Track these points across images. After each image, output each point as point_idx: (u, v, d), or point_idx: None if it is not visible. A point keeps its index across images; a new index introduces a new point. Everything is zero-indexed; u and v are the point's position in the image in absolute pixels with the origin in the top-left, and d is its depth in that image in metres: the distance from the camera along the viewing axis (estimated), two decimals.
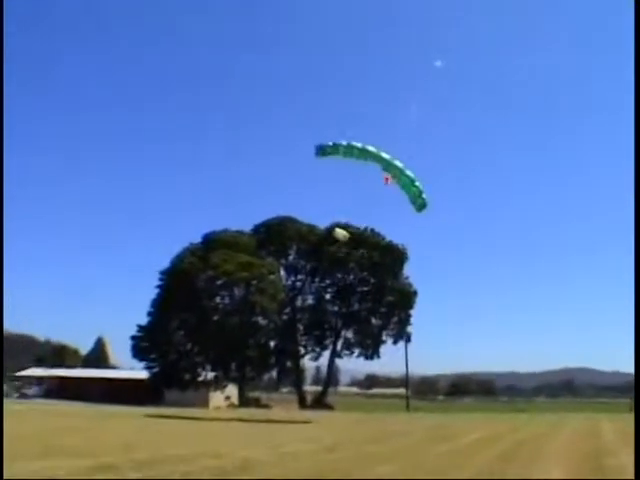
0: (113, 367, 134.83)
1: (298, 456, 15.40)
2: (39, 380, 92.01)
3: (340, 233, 42.28)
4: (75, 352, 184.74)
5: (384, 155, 28.43)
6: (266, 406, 77.10)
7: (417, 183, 28.91)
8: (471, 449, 19.72)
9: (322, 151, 28.40)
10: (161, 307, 72.01)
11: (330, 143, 28.32)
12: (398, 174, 28.32)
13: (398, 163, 28.63)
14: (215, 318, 72.27)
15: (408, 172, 28.69)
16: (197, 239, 77.56)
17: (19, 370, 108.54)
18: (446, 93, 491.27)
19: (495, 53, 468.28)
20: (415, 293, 79.57)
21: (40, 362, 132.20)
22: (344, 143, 28.24)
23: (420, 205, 29.52)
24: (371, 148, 28.23)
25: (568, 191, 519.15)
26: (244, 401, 74.57)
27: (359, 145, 28.22)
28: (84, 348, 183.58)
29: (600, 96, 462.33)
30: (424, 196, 28.84)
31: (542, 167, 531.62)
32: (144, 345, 72.55)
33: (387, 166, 28.28)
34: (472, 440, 23.80)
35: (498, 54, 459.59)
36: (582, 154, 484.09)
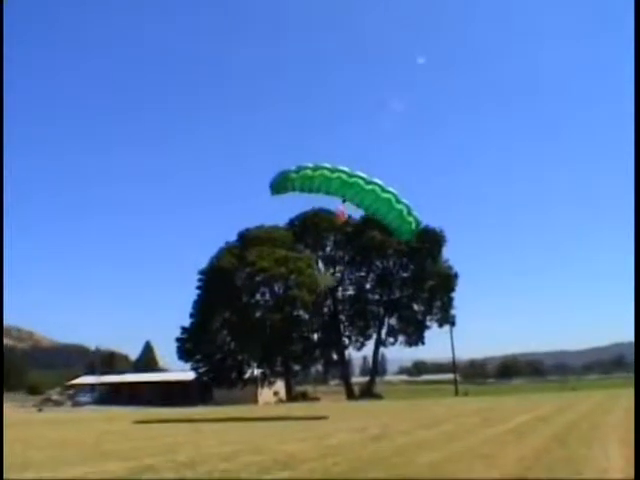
0: (162, 370, 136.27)
1: (342, 448, 14.97)
2: (91, 387, 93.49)
3: (325, 280, 40.69)
4: (125, 358, 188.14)
5: (367, 181, 24.77)
6: (314, 399, 77.02)
7: (413, 214, 26.09)
8: (523, 431, 19.03)
9: (276, 188, 24.90)
10: (203, 307, 72.41)
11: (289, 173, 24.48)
12: (387, 206, 25.31)
13: (392, 190, 25.36)
14: (257, 315, 72.42)
15: (403, 201, 25.62)
16: (233, 237, 77.80)
17: (72, 379, 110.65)
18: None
19: None
20: (456, 275, 78.68)
21: (91, 370, 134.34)
22: (308, 170, 24.25)
23: (409, 234, 27.95)
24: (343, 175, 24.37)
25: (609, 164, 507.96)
26: (292, 396, 74.53)
27: (327, 172, 24.19)
28: (133, 354, 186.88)
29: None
30: (414, 227, 26.55)
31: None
32: (189, 346, 73.05)
33: (374, 199, 25.00)
34: (523, 422, 23.08)
35: None
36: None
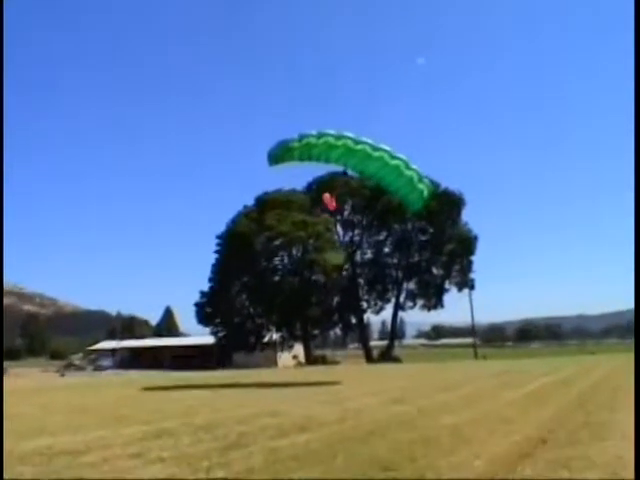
0: (183, 335, 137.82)
1: (362, 411, 14.80)
2: (112, 352, 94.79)
3: (336, 258, 39.81)
4: (146, 323, 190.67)
5: (374, 148, 23.36)
6: (333, 363, 77.41)
7: (424, 181, 24.99)
8: (543, 395, 18.79)
9: (275, 158, 23.51)
10: (221, 272, 72.61)
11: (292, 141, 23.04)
12: (395, 173, 24.03)
13: (401, 157, 23.93)
14: (275, 279, 72.57)
15: (414, 168, 24.35)
16: (251, 201, 77.50)
17: (94, 344, 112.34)
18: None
19: None
20: (475, 238, 77.99)
21: (112, 335, 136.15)
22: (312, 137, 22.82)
23: (419, 202, 26.10)
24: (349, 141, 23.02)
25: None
26: (311, 359, 74.91)
27: (331, 139, 22.82)
28: (154, 319, 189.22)
29: None
30: (425, 194, 25.25)
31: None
32: (208, 311, 73.49)
33: (381, 165, 23.67)
34: (543, 385, 22.82)
35: None
36: None
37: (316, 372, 44.11)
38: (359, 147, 23.09)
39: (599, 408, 14.86)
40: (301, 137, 22.83)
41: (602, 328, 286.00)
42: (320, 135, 22.82)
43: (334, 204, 28.28)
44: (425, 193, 25.19)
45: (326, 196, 27.60)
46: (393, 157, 23.72)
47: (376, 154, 23.39)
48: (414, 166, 24.44)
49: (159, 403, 19.48)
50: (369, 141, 23.40)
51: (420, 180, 24.79)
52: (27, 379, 51.32)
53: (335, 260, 40.86)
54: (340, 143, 22.91)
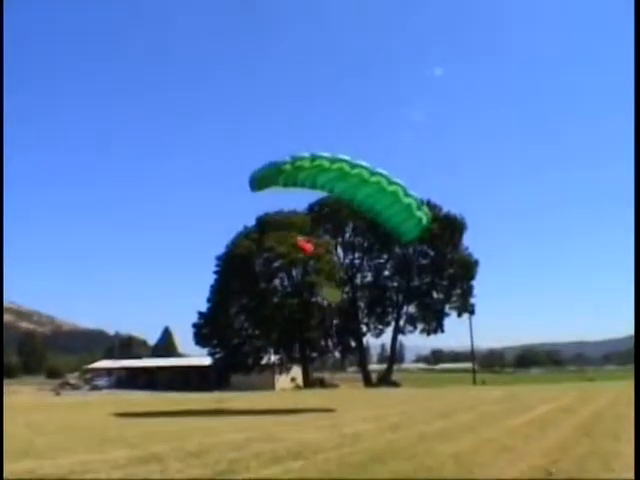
0: (181, 355, 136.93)
1: (359, 437, 14.34)
2: (108, 372, 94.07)
3: (332, 294, 38.96)
4: (144, 343, 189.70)
5: (371, 172, 21.89)
6: (331, 386, 76.70)
7: (423, 209, 24.04)
8: (546, 422, 18.30)
9: (260, 180, 21.40)
10: (220, 293, 72.12)
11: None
12: (392, 200, 22.73)
13: (399, 182, 22.62)
14: (274, 300, 71.96)
15: (411, 194, 23.08)
16: (251, 222, 77.10)
17: (91, 363, 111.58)
18: None
19: None
20: (476, 263, 77.53)
21: (110, 354, 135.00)
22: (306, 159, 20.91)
23: (414, 234, 25.32)
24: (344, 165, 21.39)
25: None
26: (309, 382, 74.17)
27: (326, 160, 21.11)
28: (152, 339, 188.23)
29: None
30: (425, 223, 24.16)
31: None
32: (205, 332, 72.92)
33: (376, 192, 22.37)
34: (545, 412, 22.33)
35: None
36: None
37: (314, 395, 43.54)
38: (355, 171, 21.63)
39: (604, 437, 14.41)
40: (294, 159, 20.96)
41: (601, 355, 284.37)
42: (314, 158, 21.09)
43: (311, 248, 27.32)
44: (424, 221, 24.02)
45: (300, 240, 26.62)
46: (391, 182, 22.43)
47: (373, 179, 22.02)
48: (412, 192, 23.30)
49: (151, 425, 18.98)
50: (366, 164, 22.03)
51: (419, 207, 23.72)
52: (21, 397, 50.67)
53: (332, 297, 39.91)
54: (335, 166, 21.32)
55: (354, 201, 23.91)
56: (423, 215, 23.95)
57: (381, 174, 22.23)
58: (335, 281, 70.48)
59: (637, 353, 40.43)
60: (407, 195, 22.87)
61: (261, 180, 21.44)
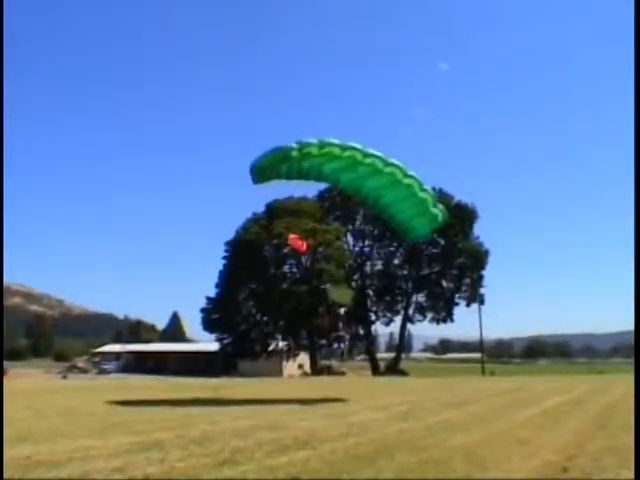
0: (190, 341, 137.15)
1: (366, 427, 13.97)
2: (117, 355, 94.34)
3: (342, 295, 37.98)
4: (152, 328, 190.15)
5: (385, 162, 20.58)
6: (339, 373, 76.53)
7: (439, 206, 22.88)
8: (558, 414, 17.86)
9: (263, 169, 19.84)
10: (229, 278, 71.87)
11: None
12: (407, 193, 21.65)
13: (412, 175, 21.41)
14: (283, 287, 71.63)
15: (427, 189, 22.21)
16: (260, 208, 76.75)
17: (100, 347, 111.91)
18: None
19: None
20: (487, 253, 77.09)
21: (118, 338, 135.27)
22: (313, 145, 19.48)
23: (426, 230, 24.44)
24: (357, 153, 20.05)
25: None
26: (317, 370, 73.98)
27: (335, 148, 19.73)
28: (161, 324, 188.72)
29: None
30: (440, 219, 23.11)
31: None
32: (214, 317, 72.73)
33: (387, 184, 21.31)
34: (557, 404, 21.88)
35: None
36: None
37: (321, 383, 43.26)
38: (368, 160, 20.30)
39: (619, 430, 13.93)
40: (301, 145, 19.39)
41: (610, 347, 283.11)
42: (322, 144, 19.63)
43: (304, 246, 26.40)
44: (440, 218, 23.01)
45: (292, 237, 25.64)
46: (406, 175, 21.27)
47: (387, 169, 20.76)
48: (428, 187, 22.51)
49: (155, 411, 18.69)
50: (379, 154, 20.72)
51: (434, 204, 22.70)
52: (27, 380, 50.69)
53: (342, 299, 38.99)
54: (346, 154, 19.95)
55: (360, 193, 22.76)
56: (439, 212, 22.99)
57: (396, 165, 21.07)
58: (344, 268, 70.11)
59: (637, 352, 39.81)
60: (423, 190, 21.95)
61: (263, 170, 20.03)
